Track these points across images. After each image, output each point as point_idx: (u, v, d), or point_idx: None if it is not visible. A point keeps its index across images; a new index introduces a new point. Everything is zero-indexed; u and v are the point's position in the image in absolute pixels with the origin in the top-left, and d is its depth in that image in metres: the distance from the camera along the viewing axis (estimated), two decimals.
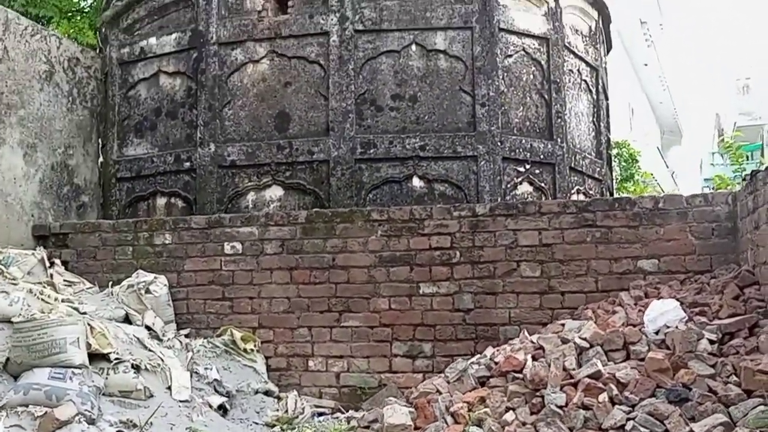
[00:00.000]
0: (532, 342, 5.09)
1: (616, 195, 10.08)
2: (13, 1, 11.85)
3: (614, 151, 12.42)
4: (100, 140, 8.12)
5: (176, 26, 7.80)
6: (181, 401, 5.29)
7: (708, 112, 41.65)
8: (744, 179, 5.74)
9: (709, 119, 41.12)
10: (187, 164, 7.47)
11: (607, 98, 9.02)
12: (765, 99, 28.35)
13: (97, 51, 8.63)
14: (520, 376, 4.66)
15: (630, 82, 28.06)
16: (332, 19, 7.27)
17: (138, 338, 5.81)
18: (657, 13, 31.38)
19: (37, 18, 12.08)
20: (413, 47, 7.26)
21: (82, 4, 13.73)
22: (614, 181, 9.97)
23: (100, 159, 8.08)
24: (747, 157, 27.45)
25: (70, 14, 12.82)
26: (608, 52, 9.46)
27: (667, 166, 30.69)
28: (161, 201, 7.66)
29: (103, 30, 8.45)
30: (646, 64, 28.81)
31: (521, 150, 7.28)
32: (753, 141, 27.79)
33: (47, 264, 6.61)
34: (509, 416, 4.37)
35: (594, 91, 8.47)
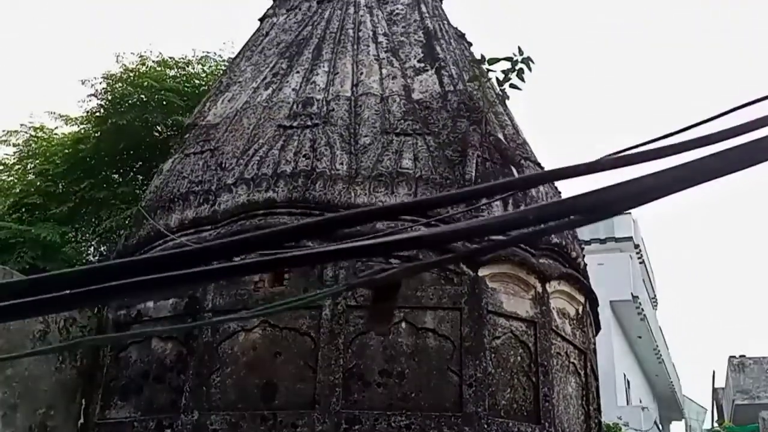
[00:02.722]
0: None
1: None
2: (23, 254, 12.36)
3: None
4: (84, 401, 8.03)
5: (174, 292, 8.03)
6: None
7: (707, 387, 41.25)
8: None
9: (708, 394, 40.64)
10: (169, 431, 7.32)
11: (596, 380, 9.02)
12: (761, 378, 28.21)
13: (95, 311, 8.82)
14: None
15: (625, 355, 28.20)
16: None
17: None
18: (649, 288, 32.30)
19: (44, 271, 12.51)
20: (403, 324, 7.41)
21: (90, 258, 14.30)
22: None
23: (80, 421, 7.93)
24: None
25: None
26: (596, 333, 9.62)
27: None
28: None
29: None
30: (639, 337, 29.15)
31: None
32: (753, 420, 27.21)
33: None
34: None
35: (582, 373, 8.49)
